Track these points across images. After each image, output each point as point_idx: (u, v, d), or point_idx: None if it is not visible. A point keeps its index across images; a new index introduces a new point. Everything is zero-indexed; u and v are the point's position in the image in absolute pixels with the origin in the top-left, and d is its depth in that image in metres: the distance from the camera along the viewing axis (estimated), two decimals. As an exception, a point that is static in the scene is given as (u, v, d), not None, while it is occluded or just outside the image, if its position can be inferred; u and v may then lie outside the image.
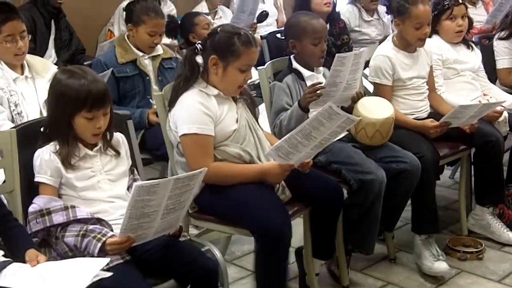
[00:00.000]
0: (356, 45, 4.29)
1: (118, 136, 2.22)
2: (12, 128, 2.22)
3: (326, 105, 2.25)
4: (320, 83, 2.70)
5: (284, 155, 2.32)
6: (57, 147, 2.08)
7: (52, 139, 2.09)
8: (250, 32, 2.49)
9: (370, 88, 3.18)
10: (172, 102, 2.42)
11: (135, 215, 1.85)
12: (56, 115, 2.07)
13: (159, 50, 3.39)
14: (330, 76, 2.68)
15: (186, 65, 2.43)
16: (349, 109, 2.75)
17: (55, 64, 3.72)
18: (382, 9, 4.71)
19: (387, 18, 4.70)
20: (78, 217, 2.00)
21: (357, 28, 4.50)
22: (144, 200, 1.82)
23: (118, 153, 2.19)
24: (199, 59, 2.44)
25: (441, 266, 2.84)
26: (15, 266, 1.80)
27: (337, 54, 2.63)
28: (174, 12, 4.91)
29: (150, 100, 3.28)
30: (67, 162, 2.06)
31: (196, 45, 2.44)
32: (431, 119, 3.04)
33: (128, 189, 2.20)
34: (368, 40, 4.57)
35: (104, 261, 1.80)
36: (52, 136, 2.09)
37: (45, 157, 2.06)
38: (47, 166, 2.05)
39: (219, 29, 2.42)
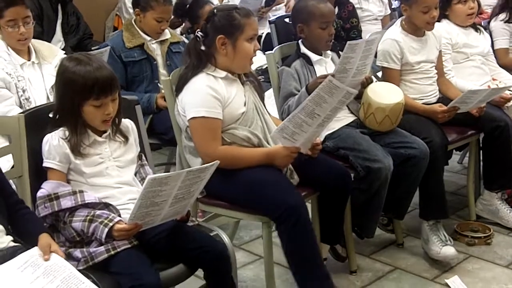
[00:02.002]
0: (361, 23, 4.26)
1: (127, 123, 2.22)
2: (20, 113, 2.21)
3: (326, 79, 2.25)
4: (331, 75, 2.66)
5: (289, 136, 2.32)
6: (66, 133, 2.07)
7: (61, 125, 2.09)
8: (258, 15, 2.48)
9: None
10: (179, 89, 2.42)
11: (145, 205, 1.86)
12: (64, 103, 2.07)
13: (167, 34, 3.38)
14: (340, 62, 2.66)
15: (191, 55, 2.43)
16: (359, 94, 2.73)
17: (63, 49, 3.71)
18: None
19: None
20: (86, 202, 2.00)
21: (357, 6, 4.47)
22: (155, 191, 1.83)
23: (126, 139, 2.18)
24: (202, 46, 2.44)
25: (449, 251, 2.83)
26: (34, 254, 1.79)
27: (348, 42, 2.61)
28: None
29: (158, 84, 3.28)
30: (76, 150, 2.06)
31: (196, 34, 2.44)
32: (440, 103, 3.02)
33: (135, 174, 2.20)
34: (371, 17, 4.55)
35: None
36: (61, 122, 2.09)
37: (54, 142, 2.05)
38: (55, 151, 2.05)
39: (214, 11, 2.43)
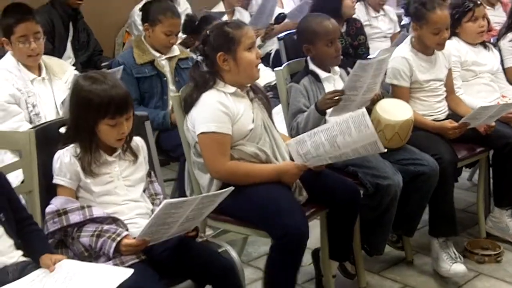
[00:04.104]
0: (369, 41, 4.28)
1: (138, 141, 2.22)
2: (30, 128, 2.23)
3: (360, 111, 2.21)
4: (341, 91, 2.66)
5: (303, 153, 2.31)
6: (78, 150, 2.08)
7: (73, 142, 2.09)
8: (266, 32, 2.50)
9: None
10: (187, 109, 2.43)
11: (156, 224, 1.88)
12: (78, 122, 2.07)
13: (176, 51, 3.40)
14: (350, 80, 2.65)
15: (196, 79, 2.44)
16: (368, 111, 2.71)
17: (73, 65, 3.73)
18: (387, 7, 4.76)
19: (393, 13, 4.73)
20: (94, 216, 2.01)
21: (367, 23, 4.49)
22: (168, 213, 1.85)
23: (136, 157, 2.18)
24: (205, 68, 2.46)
25: (458, 268, 2.81)
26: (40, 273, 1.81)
27: (359, 61, 2.60)
28: (189, 10, 4.90)
29: (167, 100, 3.29)
30: (88, 169, 2.07)
31: (196, 59, 2.48)
32: (450, 120, 3.01)
33: (144, 190, 2.21)
34: (381, 34, 4.57)
35: (128, 272, 1.80)
36: (74, 139, 2.10)
37: (65, 160, 2.06)
38: (66, 169, 2.06)
39: (207, 31, 2.43)
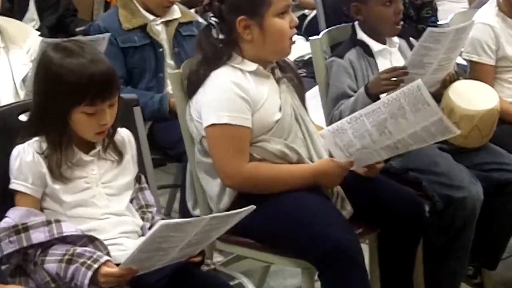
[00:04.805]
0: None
1: (123, 134, 2.22)
2: (-21, 115, 2.23)
3: (414, 83, 2.20)
4: (401, 68, 2.65)
5: (343, 145, 2.31)
6: (43, 145, 2.07)
7: (37, 133, 2.09)
8: None
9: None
10: (192, 91, 2.43)
11: (147, 250, 1.88)
12: (46, 107, 2.06)
13: (176, 12, 3.41)
14: (415, 53, 2.64)
15: (205, 50, 2.44)
16: (437, 96, 2.69)
17: (38, 30, 3.75)
18: None
19: None
20: (64, 234, 2.01)
21: None
22: (164, 237, 1.86)
23: (121, 157, 2.18)
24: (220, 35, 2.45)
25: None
26: None
27: (429, 29, 2.59)
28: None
29: (164, 79, 3.31)
30: (57, 171, 2.06)
31: (209, 21, 2.46)
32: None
33: (131, 201, 2.21)
34: None
35: None
36: (38, 130, 2.09)
37: (27, 158, 2.06)
38: (28, 170, 2.05)
39: None
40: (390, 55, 2.88)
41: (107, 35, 3.08)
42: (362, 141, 2.28)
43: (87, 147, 2.12)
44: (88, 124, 2.05)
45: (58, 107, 2.04)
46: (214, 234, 1.99)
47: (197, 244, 1.97)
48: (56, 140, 2.06)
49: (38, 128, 2.08)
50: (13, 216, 2.02)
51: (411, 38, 2.97)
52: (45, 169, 2.06)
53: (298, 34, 4.04)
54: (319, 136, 2.48)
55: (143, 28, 3.32)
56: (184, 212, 2.90)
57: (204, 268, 2.12)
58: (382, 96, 2.64)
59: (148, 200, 2.25)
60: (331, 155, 2.43)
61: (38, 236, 1.99)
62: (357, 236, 2.32)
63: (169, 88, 3.23)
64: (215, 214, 1.95)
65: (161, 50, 3.33)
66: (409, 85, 2.21)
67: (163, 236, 1.84)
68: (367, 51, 2.85)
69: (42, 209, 2.07)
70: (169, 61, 3.35)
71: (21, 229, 1.99)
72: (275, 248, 2.37)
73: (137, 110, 2.45)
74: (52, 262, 1.98)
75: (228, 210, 2.36)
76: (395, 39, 2.92)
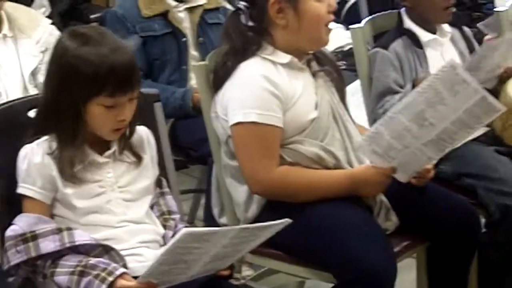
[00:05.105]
0: None
1: (142, 132, 2.23)
2: (-15, 111, 2.25)
3: (447, 64, 2.20)
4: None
5: (383, 151, 2.30)
6: (53, 145, 2.09)
7: (47, 131, 2.10)
8: None
9: None
10: (218, 85, 2.45)
11: (169, 262, 1.89)
12: (59, 99, 2.08)
13: (201, -3, 3.42)
14: (473, 61, 2.64)
15: (233, 38, 2.45)
16: (494, 92, 2.67)
17: (48, 17, 3.77)
18: None
19: None
20: (77, 243, 2.02)
21: None
22: (188, 248, 1.86)
23: (139, 159, 2.20)
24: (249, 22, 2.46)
25: None
26: None
27: (487, 43, 2.61)
28: None
29: (188, 72, 3.34)
30: (68, 171, 2.07)
31: (237, 5, 2.47)
32: None
33: (152, 207, 2.22)
34: None
35: None
36: (48, 127, 2.11)
37: (36, 159, 2.08)
38: (37, 173, 2.07)
39: None
40: (441, 46, 2.89)
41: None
42: (402, 140, 2.27)
43: (101, 148, 2.14)
44: (105, 118, 2.07)
45: (74, 97, 2.05)
46: (244, 248, 2.00)
47: (224, 258, 1.98)
48: (68, 138, 2.07)
49: (49, 124, 2.10)
50: (21, 223, 2.03)
51: (464, 27, 2.96)
52: (55, 172, 2.07)
53: (337, 22, 4.04)
54: (360, 135, 2.48)
55: (164, 15, 3.34)
56: (209, 220, 2.90)
57: (233, 282, 2.14)
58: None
59: (170, 206, 2.26)
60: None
61: (48, 245, 2.00)
62: (395, 260, 2.31)
63: (193, 82, 3.24)
64: (245, 226, 1.96)
65: (184, 39, 3.35)
66: (442, 67, 2.20)
67: (186, 247, 1.85)
68: (415, 41, 2.86)
69: (52, 217, 2.09)
70: (193, 52, 3.37)
71: (29, 237, 2.01)
72: (309, 261, 2.38)
73: (157, 106, 2.47)
74: (63, 274, 1.98)
75: (256, 219, 2.39)
76: (447, 28, 2.92)
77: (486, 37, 3.34)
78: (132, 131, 2.18)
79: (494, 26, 3.36)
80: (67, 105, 2.06)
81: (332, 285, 2.34)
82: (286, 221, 1.96)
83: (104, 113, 2.06)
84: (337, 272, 2.28)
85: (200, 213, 3.65)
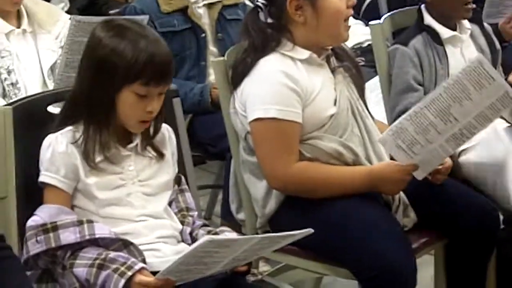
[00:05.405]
0: None
1: (164, 130, 2.24)
2: (5, 105, 2.26)
3: (474, 59, 2.21)
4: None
5: (407, 146, 2.30)
6: (77, 135, 2.10)
7: (75, 119, 2.11)
8: None
9: None
10: (237, 82, 2.45)
11: (188, 262, 1.90)
12: (94, 88, 2.08)
13: (220, -7, 3.43)
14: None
15: (252, 35, 2.45)
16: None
17: (68, 12, 3.80)
18: None
19: None
20: (97, 236, 2.03)
21: None
22: (209, 252, 1.87)
23: (160, 155, 2.21)
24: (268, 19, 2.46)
25: None
26: None
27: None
28: None
29: (206, 68, 3.34)
30: (91, 161, 2.08)
31: (256, 3, 2.47)
32: None
33: (170, 204, 2.24)
34: None
35: None
36: (77, 117, 2.11)
37: (59, 148, 2.09)
38: (61, 161, 2.08)
39: None
40: (461, 43, 2.87)
41: (145, 17, 3.12)
42: (426, 135, 2.28)
43: (125, 140, 2.15)
44: (135, 106, 2.08)
45: (110, 84, 2.06)
46: (263, 252, 2.02)
47: (243, 260, 1.99)
48: (97, 127, 2.09)
49: (79, 113, 2.11)
50: (43, 214, 2.04)
51: (484, 24, 2.95)
52: (78, 161, 2.08)
53: (356, 17, 4.05)
54: (379, 132, 2.48)
55: (183, 11, 3.35)
56: (227, 216, 2.92)
57: (250, 278, 2.15)
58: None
59: (189, 203, 2.27)
60: (392, 160, 2.42)
61: (68, 236, 2.01)
62: (414, 257, 2.31)
63: (212, 77, 3.26)
64: (266, 235, 1.97)
65: (203, 35, 3.36)
66: (469, 63, 2.21)
67: (207, 251, 1.86)
68: (435, 38, 2.85)
69: (72, 208, 2.10)
70: (212, 47, 3.38)
71: (50, 228, 2.02)
72: (327, 257, 2.38)
73: (176, 102, 2.47)
74: (82, 266, 1.99)
75: (274, 215, 2.41)
76: (467, 24, 2.90)
77: (500, 23, 3.35)
78: (156, 130, 2.19)
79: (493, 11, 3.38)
80: (102, 93, 2.08)
81: (349, 281, 2.35)
82: (309, 231, 1.97)
83: (135, 102, 2.07)
84: (356, 269, 2.29)
85: (218, 208, 3.67)
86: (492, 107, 2.27)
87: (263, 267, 2.83)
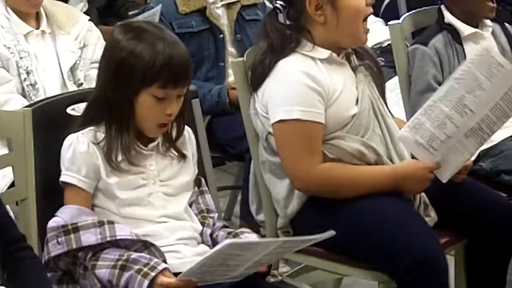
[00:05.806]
0: None
1: (184, 131, 2.24)
2: (25, 107, 2.27)
3: (483, 49, 2.21)
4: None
5: (426, 142, 2.30)
6: (98, 135, 2.11)
7: (97, 119, 2.13)
8: None
9: None
10: (257, 84, 2.45)
11: (210, 265, 1.90)
12: (115, 89, 2.09)
13: (239, -6, 3.43)
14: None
15: (270, 37, 2.44)
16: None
17: (86, 13, 3.81)
18: None
19: None
20: (118, 238, 2.04)
21: None
22: (230, 254, 1.88)
23: (183, 156, 2.22)
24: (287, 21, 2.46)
25: None
26: None
27: None
28: None
29: (225, 68, 3.35)
30: (113, 161, 2.09)
31: (275, 5, 2.47)
32: None
33: (190, 205, 2.24)
34: None
35: None
36: (99, 117, 2.13)
37: (81, 148, 2.10)
38: (82, 161, 2.09)
39: None
40: (482, 40, 2.86)
41: (158, 8, 3.13)
42: (444, 129, 2.27)
43: (146, 140, 2.15)
44: (154, 109, 2.08)
45: (129, 87, 2.07)
46: (285, 254, 2.05)
47: (265, 262, 2.00)
48: (119, 127, 2.10)
49: (101, 114, 2.12)
50: (63, 215, 2.05)
51: (506, 24, 2.94)
52: (100, 161, 2.09)
53: (375, 16, 4.04)
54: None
55: (202, 12, 3.35)
56: (246, 217, 2.93)
57: (270, 279, 2.16)
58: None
59: (209, 204, 2.28)
60: (413, 158, 2.42)
61: (89, 238, 2.02)
62: (443, 250, 2.31)
63: (231, 78, 3.27)
64: (288, 238, 1.98)
65: (221, 36, 3.36)
66: (476, 52, 2.21)
67: (229, 254, 1.86)
68: (456, 37, 2.85)
69: (93, 208, 2.11)
70: (230, 48, 3.39)
71: (70, 229, 2.03)
72: (348, 258, 2.38)
73: (195, 103, 2.49)
74: (104, 268, 2.00)
75: (297, 215, 2.41)
76: (488, 22, 2.90)
77: None
78: (180, 133, 2.20)
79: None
80: (121, 96, 2.09)
81: (371, 282, 2.35)
82: (330, 233, 1.97)
83: (154, 105, 2.08)
84: (388, 266, 2.29)
85: (237, 209, 3.66)
86: (505, 97, 2.26)
87: (283, 268, 2.82)
